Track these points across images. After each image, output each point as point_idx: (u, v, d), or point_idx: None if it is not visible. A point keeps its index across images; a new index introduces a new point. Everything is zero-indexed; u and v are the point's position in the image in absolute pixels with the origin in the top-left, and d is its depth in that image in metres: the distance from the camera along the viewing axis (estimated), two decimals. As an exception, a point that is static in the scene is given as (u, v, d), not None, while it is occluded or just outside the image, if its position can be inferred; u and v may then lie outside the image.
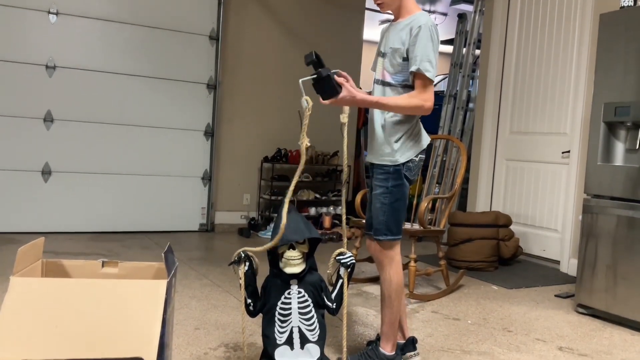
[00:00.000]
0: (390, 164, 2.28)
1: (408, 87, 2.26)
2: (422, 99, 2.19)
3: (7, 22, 4.72)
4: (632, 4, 3.31)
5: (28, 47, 4.80)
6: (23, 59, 4.79)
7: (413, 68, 2.19)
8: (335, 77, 2.13)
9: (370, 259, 3.60)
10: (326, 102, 2.14)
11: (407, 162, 2.29)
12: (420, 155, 2.33)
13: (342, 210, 2.31)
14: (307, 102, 2.05)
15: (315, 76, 2.09)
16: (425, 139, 2.37)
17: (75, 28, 4.96)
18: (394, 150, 2.27)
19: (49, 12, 4.84)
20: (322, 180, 6.07)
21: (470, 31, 6.04)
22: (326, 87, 2.11)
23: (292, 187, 2.08)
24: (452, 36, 6.40)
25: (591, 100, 3.46)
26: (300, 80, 2.07)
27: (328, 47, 6.01)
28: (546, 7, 4.88)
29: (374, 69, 2.46)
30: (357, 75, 6.26)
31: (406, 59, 2.23)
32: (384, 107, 2.23)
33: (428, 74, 2.18)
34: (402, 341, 2.45)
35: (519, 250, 4.71)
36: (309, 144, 2.08)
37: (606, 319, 3.28)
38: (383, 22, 8.74)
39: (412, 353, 2.42)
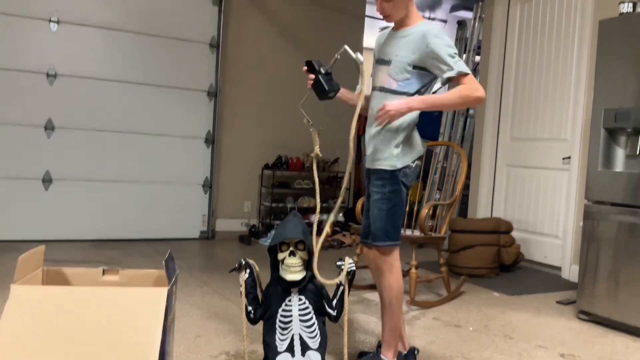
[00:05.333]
0: (389, 169, 2.28)
1: (418, 93, 2.29)
2: (472, 89, 2.19)
3: (9, 31, 4.73)
4: (632, 11, 3.32)
5: (29, 55, 4.81)
6: (24, 67, 4.80)
7: (452, 74, 2.19)
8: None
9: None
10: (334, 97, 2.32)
11: (404, 167, 2.30)
12: (416, 162, 2.34)
13: (333, 214, 2.32)
14: (307, 121, 2.30)
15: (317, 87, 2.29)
16: (422, 145, 2.38)
17: (77, 36, 4.98)
18: (393, 155, 2.28)
19: (50, 21, 4.86)
20: (322, 187, 6.07)
21: (469, 38, 6.06)
22: (318, 88, 2.28)
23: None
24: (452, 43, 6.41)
25: (591, 106, 3.47)
26: (299, 106, 2.28)
27: (328, 54, 5.99)
28: (545, 14, 4.90)
29: (373, 76, 2.47)
30: (356, 81, 6.27)
31: (416, 67, 2.25)
32: (441, 107, 2.29)
33: (466, 71, 2.20)
34: (404, 351, 2.44)
35: (520, 257, 4.70)
36: (319, 153, 2.33)
37: (608, 325, 3.27)
38: (383, 28, 8.77)
39: (412, 364, 2.42)
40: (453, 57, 2.19)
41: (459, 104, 2.25)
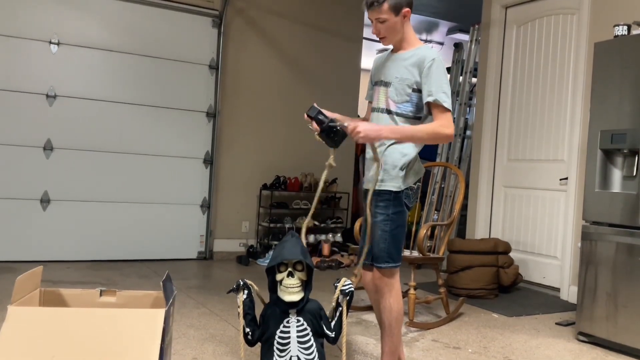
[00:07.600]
0: (394, 189, 2.30)
1: (416, 118, 2.31)
2: (441, 126, 2.24)
3: (9, 52, 4.77)
4: (626, 33, 3.36)
5: (29, 77, 4.84)
6: (24, 88, 4.83)
7: (430, 99, 2.24)
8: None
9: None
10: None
11: (407, 189, 2.32)
12: (417, 183, 2.36)
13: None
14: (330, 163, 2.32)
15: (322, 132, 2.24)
16: (422, 167, 2.41)
17: (76, 58, 5.01)
18: (399, 177, 2.30)
19: (50, 42, 4.90)
20: (320, 208, 6.07)
21: (466, 60, 6.12)
22: (329, 137, 2.24)
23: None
24: (449, 65, 6.47)
25: (587, 128, 3.49)
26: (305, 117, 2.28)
27: (326, 76, 6.08)
28: (541, 37, 4.95)
29: (370, 98, 2.49)
30: (354, 103, 6.32)
31: (416, 90, 2.28)
32: (411, 139, 2.28)
33: (445, 104, 2.23)
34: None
35: (519, 278, 4.69)
36: (332, 163, 2.33)
37: (607, 347, 3.25)
38: (380, 51, 8.84)
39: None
40: (441, 90, 2.23)
41: (428, 139, 2.30)
